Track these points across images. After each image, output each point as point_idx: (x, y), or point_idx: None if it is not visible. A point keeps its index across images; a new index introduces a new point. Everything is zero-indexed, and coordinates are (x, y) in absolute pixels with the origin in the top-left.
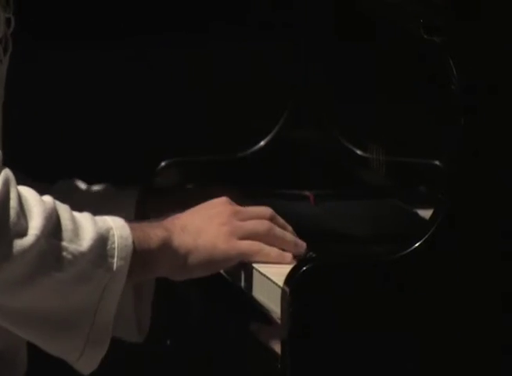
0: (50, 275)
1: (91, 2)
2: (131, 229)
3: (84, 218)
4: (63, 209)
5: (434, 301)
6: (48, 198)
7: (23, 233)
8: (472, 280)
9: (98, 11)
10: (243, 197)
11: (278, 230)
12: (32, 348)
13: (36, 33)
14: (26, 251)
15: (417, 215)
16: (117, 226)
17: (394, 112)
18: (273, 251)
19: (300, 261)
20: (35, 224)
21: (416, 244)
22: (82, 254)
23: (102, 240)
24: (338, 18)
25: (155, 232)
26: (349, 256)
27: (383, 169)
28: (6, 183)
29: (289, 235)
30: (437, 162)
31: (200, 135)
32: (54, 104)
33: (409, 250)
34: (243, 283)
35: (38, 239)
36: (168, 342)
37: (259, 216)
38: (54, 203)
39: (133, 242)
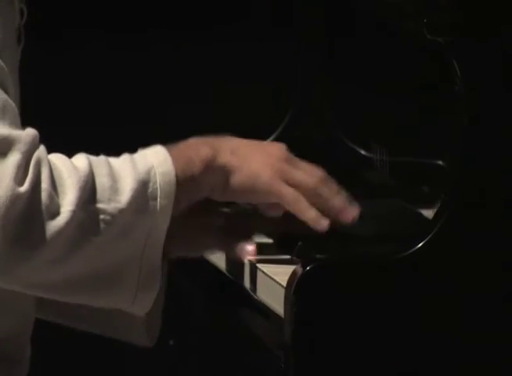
0: (90, 242)
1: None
2: (174, 158)
3: (124, 166)
4: (100, 165)
5: (437, 301)
6: (82, 161)
7: (56, 213)
8: (475, 280)
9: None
10: None
11: (326, 190)
12: (34, 348)
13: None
14: (61, 230)
15: (420, 214)
16: (158, 162)
17: (398, 112)
18: (311, 211)
19: (303, 261)
20: (69, 199)
21: (420, 244)
22: (122, 211)
23: (143, 186)
24: (342, 17)
25: (199, 154)
26: (352, 256)
27: (386, 169)
28: (38, 166)
29: (338, 200)
30: (440, 162)
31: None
32: (55, 101)
33: (413, 250)
34: (246, 283)
35: (74, 213)
36: (171, 343)
37: (311, 172)
38: (89, 165)
39: (176, 175)
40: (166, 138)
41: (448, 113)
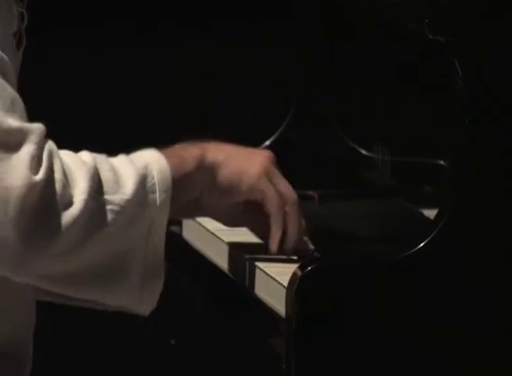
0: (101, 231)
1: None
2: (167, 158)
3: (122, 163)
4: (102, 161)
5: (438, 301)
6: (87, 156)
7: (70, 202)
8: (476, 280)
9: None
10: None
11: (298, 212)
12: (36, 348)
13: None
14: (76, 218)
15: (422, 214)
16: (153, 160)
17: (399, 112)
18: (278, 222)
19: (304, 261)
20: (81, 188)
21: (421, 244)
22: (128, 202)
23: (143, 180)
24: (343, 16)
25: (190, 153)
26: (353, 256)
27: (388, 169)
28: (50, 157)
29: (301, 228)
30: (442, 162)
31: (204, 136)
32: (54, 101)
33: (414, 250)
34: (247, 283)
35: (86, 202)
36: (172, 342)
37: (291, 189)
38: (94, 159)
39: (171, 172)
40: (167, 138)
41: (450, 113)
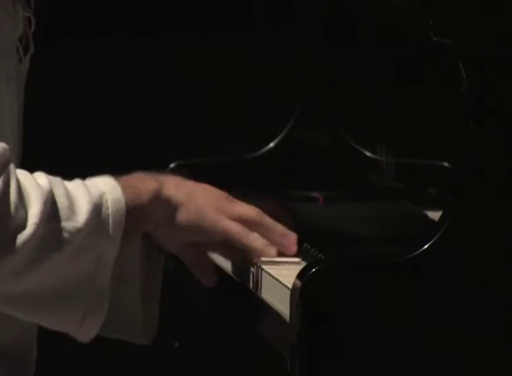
0: (50, 257)
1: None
2: (123, 188)
3: (78, 189)
4: (58, 185)
5: (442, 303)
6: (43, 179)
7: (23, 225)
8: (480, 282)
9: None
10: (252, 198)
11: (267, 219)
12: (39, 349)
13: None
14: (27, 241)
15: (426, 216)
16: (109, 190)
17: (403, 113)
18: (258, 240)
19: (309, 262)
20: (34, 212)
21: (425, 246)
22: (79, 230)
23: (97, 209)
24: (346, 18)
25: (146, 185)
26: (358, 258)
27: (392, 171)
28: (7, 178)
29: (279, 226)
30: (446, 164)
31: (209, 137)
32: (60, 106)
33: (418, 251)
34: (251, 285)
35: (38, 227)
36: (176, 344)
37: (249, 207)
38: (49, 183)
39: (126, 203)
40: (173, 140)
41: (454, 114)
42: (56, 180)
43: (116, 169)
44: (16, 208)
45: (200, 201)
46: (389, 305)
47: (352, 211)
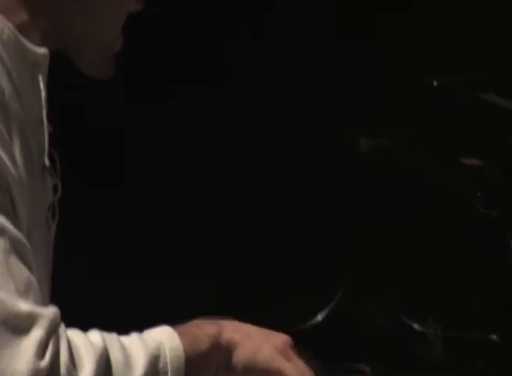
0: None
1: None
2: (181, 335)
3: (134, 343)
4: (112, 341)
5: None
6: (96, 337)
7: None
8: None
9: None
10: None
11: None
12: None
13: None
14: None
15: None
16: (166, 339)
17: (453, 287)
18: None
19: None
20: (87, 372)
21: None
22: None
23: (154, 361)
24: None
25: (205, 331)
26: None
27: (440, 344)
28: (57, 341)
29: None
30: (494, 336)
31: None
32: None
33: None
34: None
35: None
36: None
37: (306, 367)
38: (103, 340)
39: (184, 350)
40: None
41: (503, 283)
42: (111, 336)
43: None
44: (68, 370)
45: (256, 341)
46: None
47: None
